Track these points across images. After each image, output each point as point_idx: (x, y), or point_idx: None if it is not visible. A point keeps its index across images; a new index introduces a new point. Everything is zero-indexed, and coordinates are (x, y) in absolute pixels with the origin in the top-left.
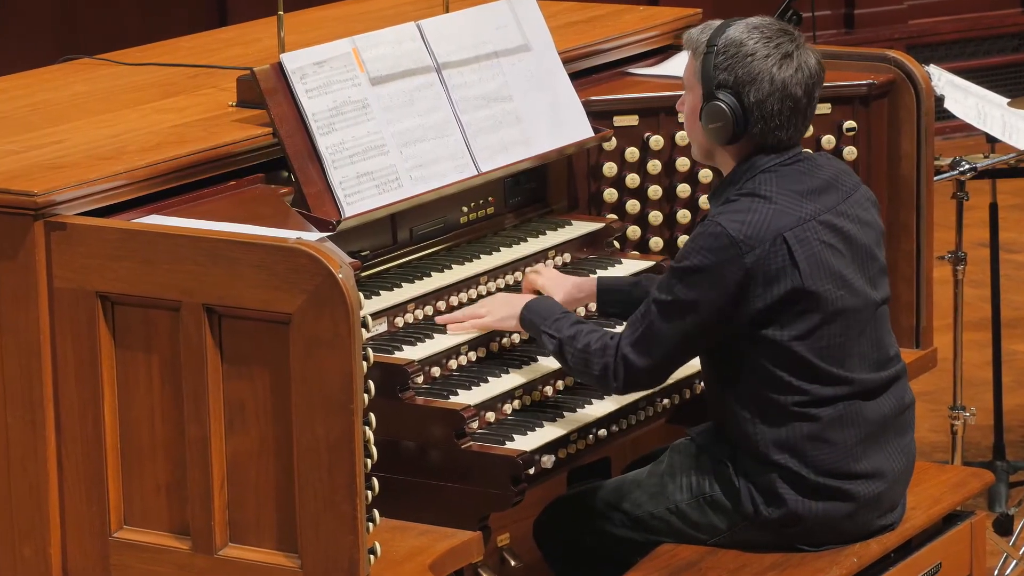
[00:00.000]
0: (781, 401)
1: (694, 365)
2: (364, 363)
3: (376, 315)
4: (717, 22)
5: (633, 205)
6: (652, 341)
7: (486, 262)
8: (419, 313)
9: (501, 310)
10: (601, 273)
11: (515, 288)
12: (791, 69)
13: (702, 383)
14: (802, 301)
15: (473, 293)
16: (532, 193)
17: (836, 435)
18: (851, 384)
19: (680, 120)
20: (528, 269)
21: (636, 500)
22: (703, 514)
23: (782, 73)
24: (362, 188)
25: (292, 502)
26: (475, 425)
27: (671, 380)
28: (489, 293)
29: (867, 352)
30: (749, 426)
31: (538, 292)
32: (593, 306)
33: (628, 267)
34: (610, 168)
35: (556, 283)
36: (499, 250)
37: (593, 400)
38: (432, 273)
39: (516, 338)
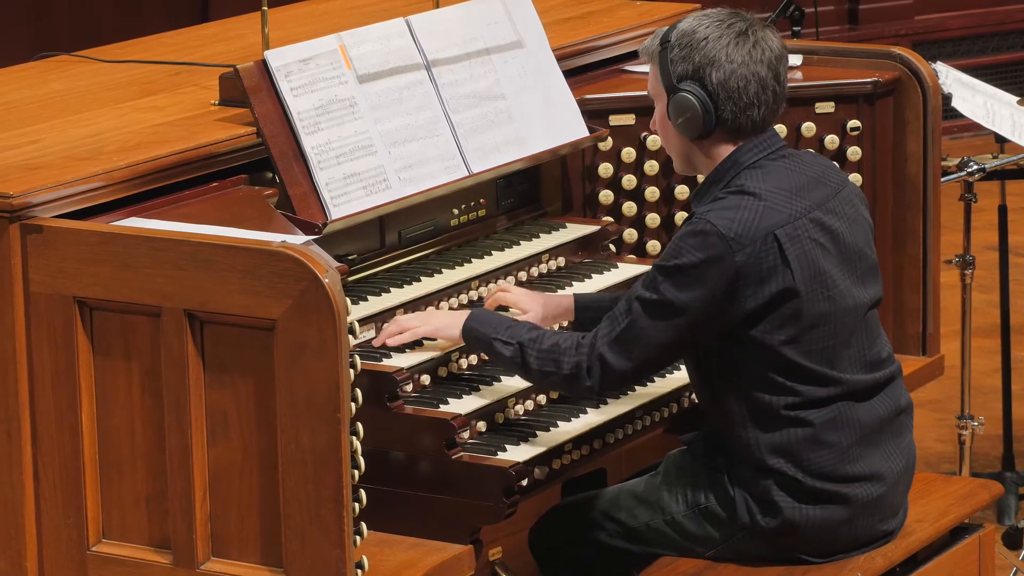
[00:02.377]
0: (773, 404)
1: None
2: (351, 371)
3: (363, 321)
4: (665, 28)
5: (629, 207)
6: (633, 341)
7: (477, 266)
8: None
9: (436, 320)
10: (596, 277)
11: None
12: (748, 45)
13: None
14: (792, 301)
15: (464, 298)
16: (525, 195)
17: (831, 437)
18: (842, 385)
19: (659, 141)
20: (493, 287)
21: (632, 511)
22: (699, 525)
23: (740, 51)
24: (349, 190)
25: (276, 515)
26: (466, 435)
27: (668, 389)
28: (480, 298)
29: (857, 353)
30: (742, 431)
31: (504, 309)
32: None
33: (624, 271)
34: (606, 169)
35: (532, 299)
36: (491, 254)
37: (588, 409)
38: (421, 278)
39: None
